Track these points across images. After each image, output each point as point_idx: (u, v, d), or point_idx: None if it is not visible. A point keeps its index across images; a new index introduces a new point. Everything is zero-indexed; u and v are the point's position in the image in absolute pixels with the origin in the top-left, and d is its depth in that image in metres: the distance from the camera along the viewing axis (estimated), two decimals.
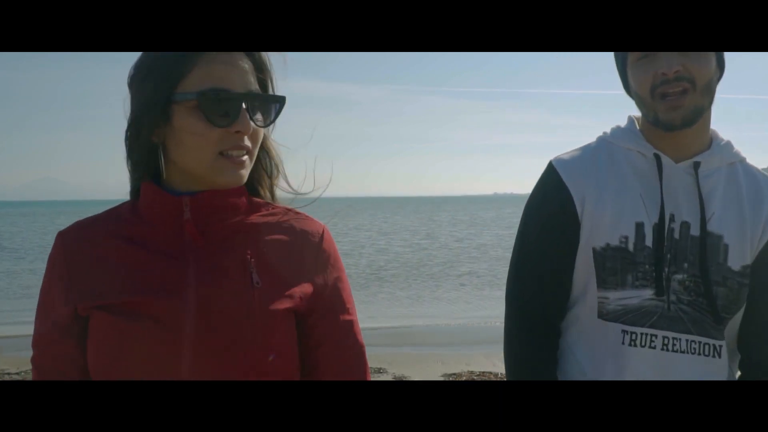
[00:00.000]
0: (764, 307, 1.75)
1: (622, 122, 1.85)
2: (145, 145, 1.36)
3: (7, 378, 7.95)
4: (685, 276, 1.70)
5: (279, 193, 1.53)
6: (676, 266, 1.71)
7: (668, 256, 1.70)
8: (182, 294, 1.30)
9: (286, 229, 1.43)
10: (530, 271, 1.82)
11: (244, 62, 1.38)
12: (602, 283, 1.73)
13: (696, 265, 1.70)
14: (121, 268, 1.34)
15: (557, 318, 1.82)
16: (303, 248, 1.43)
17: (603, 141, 1.82)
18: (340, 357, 1.45)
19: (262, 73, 1.42)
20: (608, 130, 1.85)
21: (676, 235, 1.71)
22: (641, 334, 1.72)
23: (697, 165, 1.72)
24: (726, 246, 1.71)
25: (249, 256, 1.36)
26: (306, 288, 1.41)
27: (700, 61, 1.66)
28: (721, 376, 1.75)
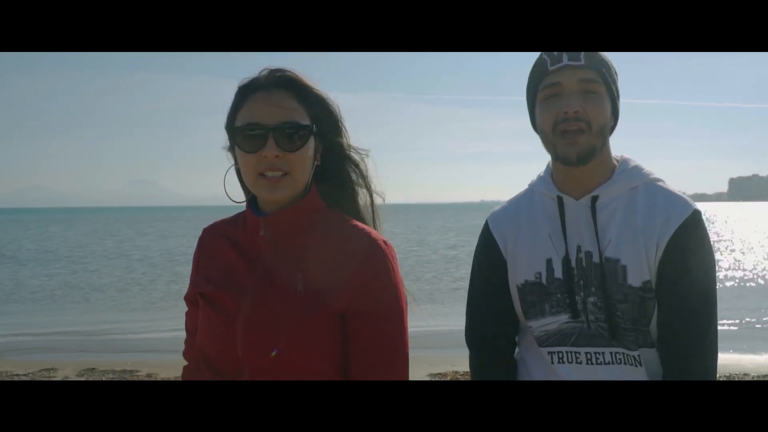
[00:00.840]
0: (665, 315, 1.82)
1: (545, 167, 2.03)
2: (237, 169, 1.69)
3: (16, 379, 8.16)
4: (596, 298, 1.82)
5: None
6: (587, 290, 1.83)
7: (580, 282, 1.84)
8: (243, 294, 1.60)
9: (339, 246, 1.61)
10: (481, 308, 2.00)
11: (285, 97, 1.62)
12: (525, 315, 1.90)
13: (600, 287, 1.82)
14: (220, 264, 1.68)
15: (508, 342, 2.00)
16: (356, 259, 1.59)
17: (528, 189, 2.00)
18: (378, 354, 1.58)
19: (305, 103, 1.64)
20: (535, 179, 2.01)
21: (583, 264, 1.84)
22: (566, 352, 1.87)
23: (594, 199, 1.84)
24: (624, 267, 1.80)
25: (299, 269, 1.60)
26: (353, 294, 1.57)
27: (596, 106, 1.78)
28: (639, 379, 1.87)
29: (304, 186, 1.65)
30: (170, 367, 8.60)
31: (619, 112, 1.89)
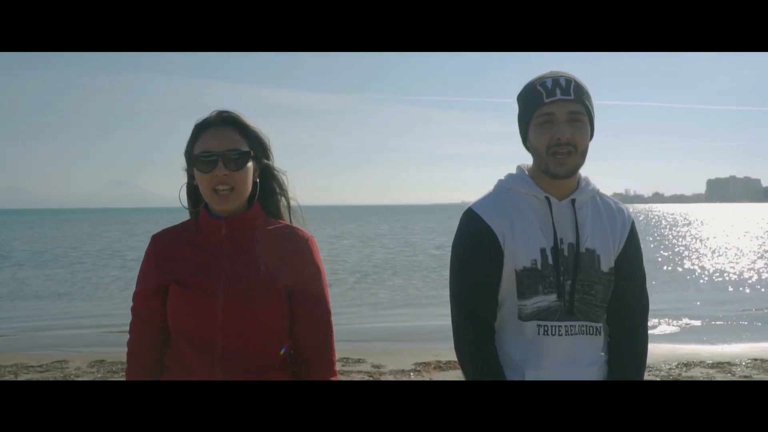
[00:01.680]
0: (622, 290, 2.18)
1: (513, 170, 2.25)
2: (192, 186, 2.14)
3: (30, 371, 8.53)
4: (573, 281, 2.11)
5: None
6: (568, 275, 2.11)
7: (562, 269, 2.11)
8: (218, 276, 2.02)
9: (282, 238, 2.10)
10: (476, 286, 2.15)
11: (229, 131, 2.06)
12: (521, 295, 2.12)
13: (579, 273, 2.12)
14: (183, 259, 2.08)
15: (493, 318, 2.18)
16: (293, 250, 2.09)
17: (502, 187, 2.21)
18: (308, 317, 2.07)
19: (246, 136, 2.08)
20: (503, 177, 2.24)
21: (566, 254, 2.12)
22: (551, 326, 2.12)
23: (573, 201, 2.14)
24: (598, 256, 2.14)
25: (258, 254, 2.05)
26: (294, 277, 2.06)
27: (581, 133, 2.06)
28: (599, 345, 2.18)
29: (246, 197, 2.10)
30: None
31: (594, 133, 2.18)
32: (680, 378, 7.69)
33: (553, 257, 2.11)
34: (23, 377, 7.98)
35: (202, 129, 2.08)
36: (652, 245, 34.59)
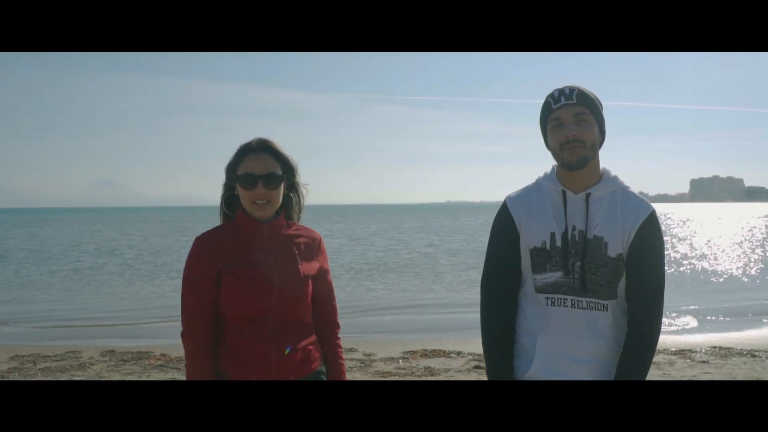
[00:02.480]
0: (635, 277, 2.35)
1: (549, 168, 2.51)
2: (232, 195, 2.61)
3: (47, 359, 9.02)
4: (582, 262, 2.35)
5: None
6: (577, 257, 2.35)
7: (572, 251, 2.35)
8: (270, 267, 2.49)
9: (304, 236, 2.64)
10: (495, 263, 2.49)
11: (267, 157, 2.49)
12: (533, 269, 2.40)
13: (586, 255, 2.35)
14: (236, 254, 2.50)
15: (513, 291, 2.47)
16: (313, 246, 2.63)
17: (538, 182, 2.49)
18: (324, 293, 2.64)
19: (278, 160, 2.53)
20: (542, 176, 2.51)
21: (576, 239, 2.36)
22: (557, 298, 2.37)
23: (588, 195, 2.38)
24: (606, 243, 2.34)
25: (294, 249, 2.57)
26: (315, 265, 2.61)
27: (587, 130, 2.33)
28: (607, 321, 2.35)
29: (277, 207, 2.56)
30: (181, 348, 9.70)
31: (605, 132, 2.44)
32: None
33: (562, 240, 2.37)
34: (41, 365, 8.43)
35: (244, 153, 2.52)
36: None
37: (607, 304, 2.37)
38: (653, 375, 7.57)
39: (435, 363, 8.27)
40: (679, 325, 12.07)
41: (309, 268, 2.58)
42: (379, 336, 10.47)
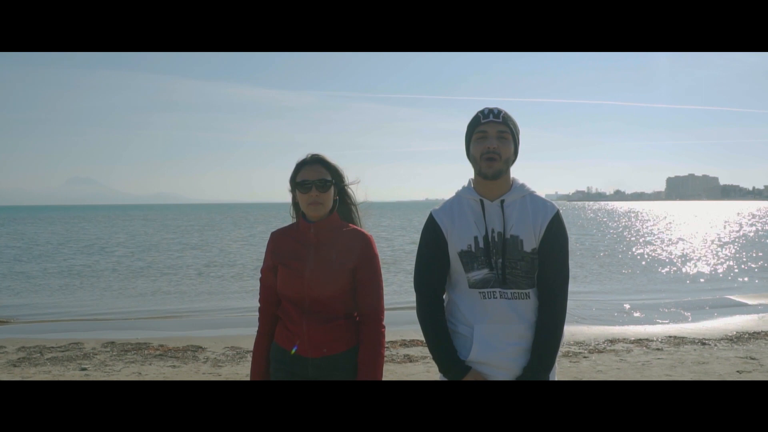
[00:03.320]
0: (546, 265, 2.67)
1: (466, 180, 2.77)
2: (294, 202, 2.97)
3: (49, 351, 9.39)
4: (503, 259, 2.64)
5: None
6: (498, 255, 2.64)
7: (494, 250, 2.64)
8: (307, 261, 2.84)
9: (349, 235, 2.90)
10: (427, 268, 2.76)
11: (318, 167, 2.86)
12: (466, 268, 2.66)
13: (506, 253, 2.65)
14: (289, 249, 2.90)
15: (441, 290, 2.77)
16: (357, 245, 2.87)
17: (458, 194, 2.77)
18: (363, 284, 2.85)
19: (328, 169, 2.90)
20: (460, 188, 2.77)
21: (495, 240, 2.65)
22: (488, 292, 2.65)
23: (502, 202, 2.67)
24: (521, 240, 2.65)
25: (334, 246, 2.85)
26: (354, 260, 2.84)
27: (505, 146, 2.63)
28: (530, 307, 2.65)
29: (329, 209, 2.91)
30: (177, 339, 10.16)
31: (518, 153, 2.74)
32: (605, 351, 8.95)
33: (484, 242, 2.66)
34: (48, 355, 8.89)
35: (302, 165, 2.93)
36: (593, 239, 35.87)
37: (528, 292, 2.68)
38: (611, 361, 8.23)
39: (413, 351, 8.88)
40: (639, 317, 12.76)
41: (346, 261, 2.88)
42: None
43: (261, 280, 3.01)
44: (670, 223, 64.37)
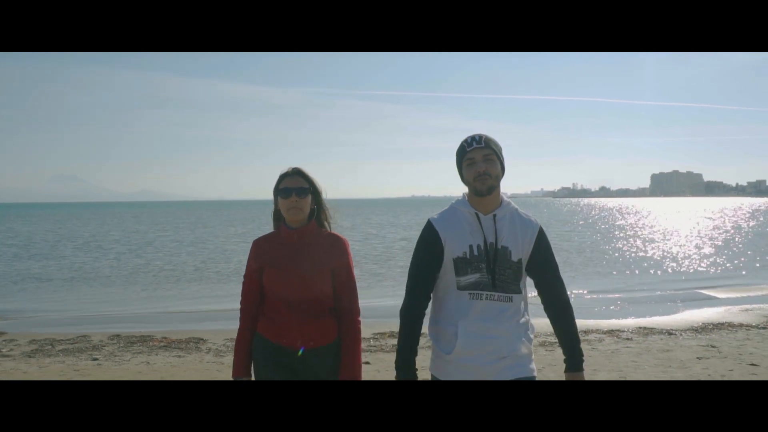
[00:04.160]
0: (544, 274, 2.99)
1: (461, 194, 2.99)
2: (276, 210, 3.24)
3: (58, 344, 9.80)
4: (494, 266, 2.87)
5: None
6: (491, 261, 2.87)
7: (487, 257, 2.87)
8: (295, 263, 3.10)
9: (328, 240, 3.18)
10: (423, 270, 2.94)
11: (298, 178, 3.14)
12: (458, 273, 2.87)
13: (497, 261, 2.88)
14: (276, 253, 3.16)
15: (429, 292, 2.95)
16: (336, 247, 3.16)
17: (452, 207, 2.97)
18: (341, 284, 3.13)
19: (306, 180, 3.17)
20: (455, 201, 2.98)
21: (488, 249, 2.87)
22: (476, 293, 2.86)
23: (495, 216, 2.91)
24: (510, 251, 2.90)
25: (316, 249, 3.12)
26: (334, 262, 3.12)
27: (492, 166, 2.86)
28: (511, 310, 2.87)
29: (307, 215, 3.16)
30: (178, 332, 10.59)
31: (504, 168, 2.98)
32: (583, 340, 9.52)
33: (478, 251, 2.88)
34: (59, 347, 9.33)
35: (284, 177, 3.20)
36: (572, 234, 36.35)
37: (511, 296, 2.92)
38: (583, 349, 8.79)
39: None
40: (612, 310, 13.35)
41: (327, 263, 3.14)
42: None
43: (244, 282, 3.27)
44: (653, 219, 64.57)
